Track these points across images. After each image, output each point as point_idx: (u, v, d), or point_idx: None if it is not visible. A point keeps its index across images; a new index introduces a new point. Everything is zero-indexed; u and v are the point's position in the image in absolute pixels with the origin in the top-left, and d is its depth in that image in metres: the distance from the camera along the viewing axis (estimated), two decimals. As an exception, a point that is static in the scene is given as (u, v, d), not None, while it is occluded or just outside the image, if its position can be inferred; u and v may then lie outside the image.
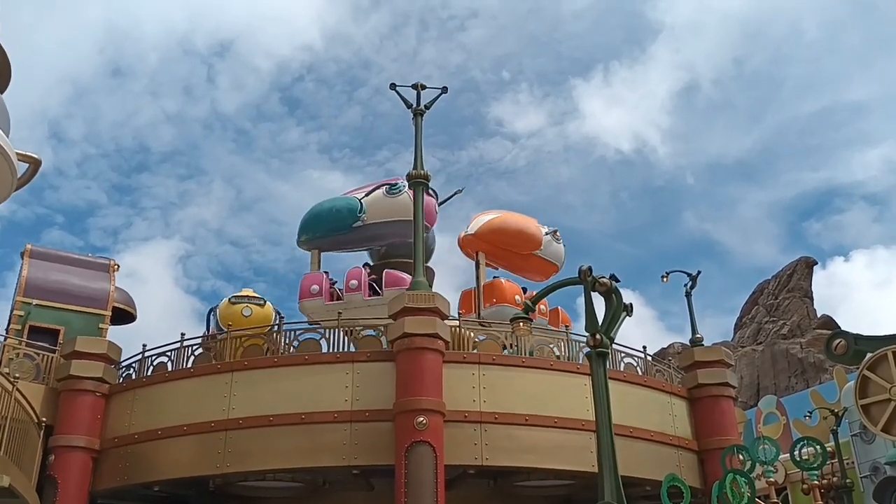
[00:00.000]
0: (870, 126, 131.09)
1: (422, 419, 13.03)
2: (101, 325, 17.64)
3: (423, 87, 16.42)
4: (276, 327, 17.13)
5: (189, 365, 15.39)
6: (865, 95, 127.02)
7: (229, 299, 18.20)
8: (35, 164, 11.42)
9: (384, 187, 18.53)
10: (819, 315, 54.25)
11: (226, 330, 16.75)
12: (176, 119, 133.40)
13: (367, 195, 18.63)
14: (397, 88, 16.31)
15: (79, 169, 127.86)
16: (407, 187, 17.56)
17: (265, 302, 18.23)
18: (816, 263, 60.47)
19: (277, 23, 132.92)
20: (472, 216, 21.48)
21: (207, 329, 19.11)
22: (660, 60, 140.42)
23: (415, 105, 16.31)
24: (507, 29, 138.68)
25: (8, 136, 10.56)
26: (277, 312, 18.53)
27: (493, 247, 20.90)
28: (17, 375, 13.65)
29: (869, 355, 9.42)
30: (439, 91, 16.48)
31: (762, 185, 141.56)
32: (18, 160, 10.91)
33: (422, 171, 15.60)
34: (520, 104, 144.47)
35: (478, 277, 20.40)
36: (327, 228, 18.84)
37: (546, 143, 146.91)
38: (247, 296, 18.34)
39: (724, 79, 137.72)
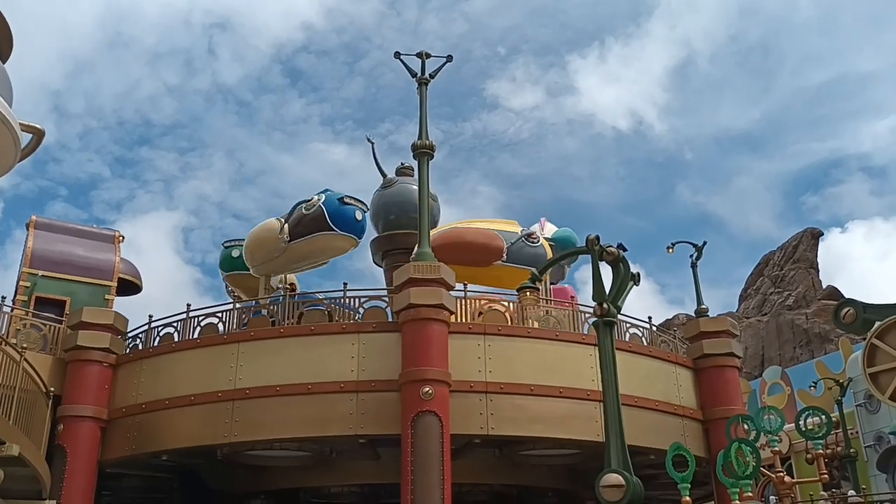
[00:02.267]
0: (879, 96, 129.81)
1: (428, 389, 13.08)
2: (106, 296, 17.67)
3: (428, 56, 16.19)
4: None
5: (195, 336, 15.45)
6: (874, 66, 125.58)
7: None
8: (38, 134, 11.34)
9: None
10: (825, 286, 54.10)
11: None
12: (177, 92, 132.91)
13: None
14: (401, 57, 16.14)
15: (81, 142, 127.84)
16: None
17: None
18: (822, 234, 60.31)
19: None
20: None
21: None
22: (655, 37, 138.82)
23: (419, 74, 16.13)
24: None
25: (11, 106, 10.48)
26: None
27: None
28: (24, 346, 13.68)
29: (877, 324, 9.39)
30: (444, 60, 16.29)
31: (766, 158, 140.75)
32: (22, 130, 10.85)
33: (427, 142, 15.43)
34: (516, 81, 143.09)
35: None
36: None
37: (548, 116, 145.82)
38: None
39: (722, 54, 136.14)
